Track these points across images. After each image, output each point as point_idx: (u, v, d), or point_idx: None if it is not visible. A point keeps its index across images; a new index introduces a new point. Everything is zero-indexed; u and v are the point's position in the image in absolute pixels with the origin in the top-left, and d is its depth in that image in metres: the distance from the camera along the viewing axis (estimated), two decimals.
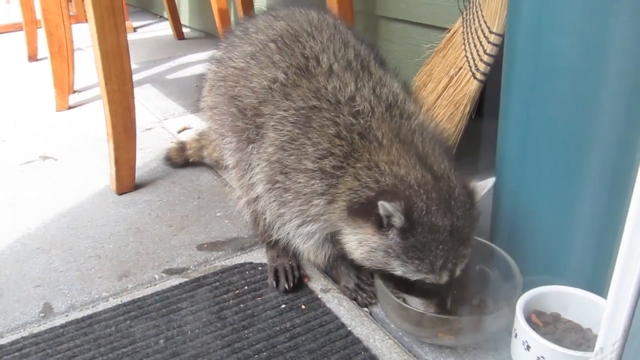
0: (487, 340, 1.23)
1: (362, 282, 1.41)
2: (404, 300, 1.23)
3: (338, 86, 1.27)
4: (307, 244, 1.37)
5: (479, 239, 1.36)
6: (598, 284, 1.21)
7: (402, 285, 1.23)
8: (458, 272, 1.20)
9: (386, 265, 1.18)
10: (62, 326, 1.31)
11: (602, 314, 0.83)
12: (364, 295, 1.38)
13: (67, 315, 1.36)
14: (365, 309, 1.35)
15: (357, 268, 1.40)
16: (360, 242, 1.20)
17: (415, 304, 1.21)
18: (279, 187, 1.31)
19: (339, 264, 1.42)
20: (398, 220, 1.11)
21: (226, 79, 1.47)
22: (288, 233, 1.36)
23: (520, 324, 1.11)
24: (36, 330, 1.31)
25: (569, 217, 1.24)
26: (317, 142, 1.24)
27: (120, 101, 1.80)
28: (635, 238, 0.67)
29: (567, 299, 1.19)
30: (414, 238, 1.13)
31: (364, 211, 1.17)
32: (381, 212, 1.11)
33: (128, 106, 1.83)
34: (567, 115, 1.17)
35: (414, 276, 1.17)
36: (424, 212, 1.12)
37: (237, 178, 1.50)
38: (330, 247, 1.38)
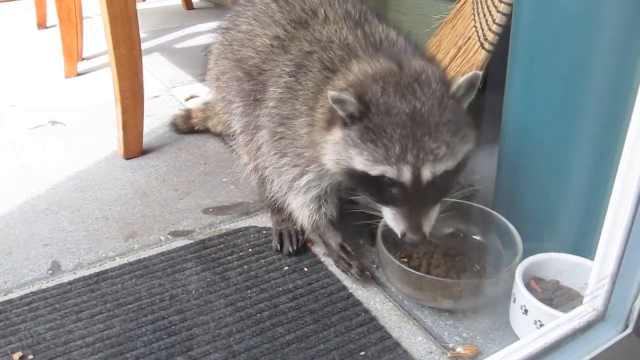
0: (486, 304, 1.24)
1: (346, 250, 1.36)
2: (407, 263, 1.25)
3: (334, 30, 1.30)
4: (299, 199, 1.35)
5: (481, 206, 1.38)
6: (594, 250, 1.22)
7: (371, 193, 1.17)
8: (427, 174, 1.09)
9: (348, 161, 1.14)
10: (70, 283, 1.34)
11: None
12: (347, 259, 1.34)
13: (74, 273, 1.39)
14: (367, 272, 1.37)
15: (344, 239, 1.39)
16: (330, 146, 1.17)
17: (387, 217, 1.16)
18: (278, 138, 1.32)
19: (323, 231, 1.39)
20: (350, 104, 1.08)
21: (232, 44, 1.49)
22: (282, 186, 1.36)
23: (519, 288, 1.13)
24: (44, 286, 1.34)
25: (570, 186, 1.24)
26: (305, 83, 1.25)
27: (128, 65, 1.81)
28: (627, 181, 0.68)
29: (567, 267, 1.21)
30: (368, 119, 1.09)
31: (331, 116, 1.16)
32: (330, 101, 1.09)
33: (136, 71, 1.83)
34: (570, 84, 1.17)
35: (372, 169, 1.10)
36: (380, 93, 1.09)
37: (244, 143, 1.51)
38: (324, 208, 1.36)
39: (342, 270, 1.35)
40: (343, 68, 1.21)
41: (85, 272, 1.38)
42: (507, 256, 1.28)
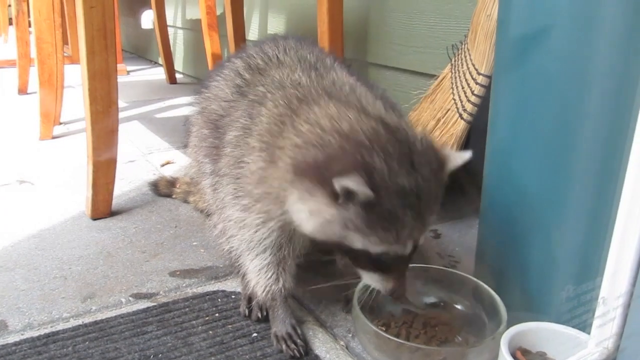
0: None
1: (295, 333, 1.25)
2: (385, 332, 1.17)
3: (286, 73, 1.28)
4: (255, 262, 1.24)
5: (463, 274, 1.32)
6: (587, 322, 1.16)
7: (357, 261, 1.12)
8: (422, 241, 1.10)
9: (344, 240, 1.04)
10: (16, 344, 1.22)
11: None
12: (293, 347, 1.21)
13: (22, 334, 1.27)
14: (342, 342, 1.28)
15: (295, 317, 1.30)
16: (311, 213, 1.04)
17: (371, 280, 1.13)
18: (234, 179, 1.22)
19: (277, 304, 1.28)
20: (363, 195, 0.96)
21: (202, 104, 1.48)
22: (240, 245, 1.26)
23: (506, 359, 1.05)
24: None
25: (556, 254, 1.20)
26: (259, 120, 1.18)
27: (104, 123, 1.77)
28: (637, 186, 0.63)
29: (554, 337, 1.13)
30: (380, 207, 1.00)
31: (313, 175, 1.02)
32: (337, 188, 0.96)
33: (112, 129, 1.79)
34: (551, 152, 1.15)
35: (376, 249, 1.03)
36: (386, 172, 0.98)
37: (213, 201, 1.44)
38: (274, 281, 1.25)
39: (280, 350, 1.23)
40: (304, 111, 1.12)
41: (34, 333, 1.26)
42: (490, 326, 1.21)
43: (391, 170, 0.98)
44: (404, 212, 1.00)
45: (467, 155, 1.11)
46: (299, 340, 1.23)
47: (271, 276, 1.26)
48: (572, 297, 1.19)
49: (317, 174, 1.01)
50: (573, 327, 1.13)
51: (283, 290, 1.27)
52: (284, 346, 1.22)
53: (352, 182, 0.94)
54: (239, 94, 1.34)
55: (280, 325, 1.26)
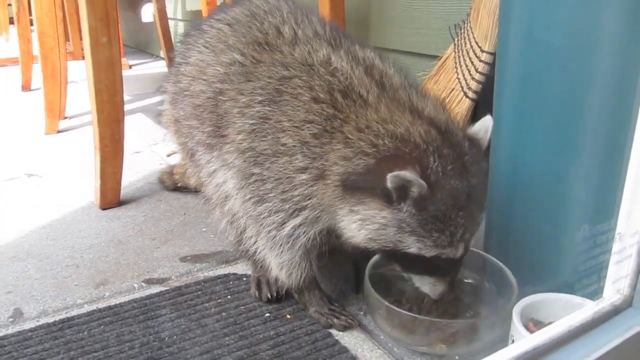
0: (481, 350, 1.16)
1: (336, 306, 1.28)
2: (398, 303, 1.18)
3: (307, 51, 1.14)
4: (285, 256, 1.20)
5: (474, 249, 1.32)
6: (595, 291, 1.16)
7: (409, 266, 1.12)
8: (472, 243, 1.09)
9: (398, 244, 1.02)
10: (32, 330, 1.23)
11: None
12: (343, 318, 1.24)
13: (37, 320, 1.28)
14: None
15: (328, 295, 1.31)
16: (364, 221, 1.03)
17: (422, 283, 1.13)
18: (255, 181, 1.14)
19: (313, 287, 1.28)
20: (417, 188, 0.94)
21: (182, 81, 1.34)
22: (258, 241, 1.22)
23: (518, 329, 1.05)
24: (3, 333, 1.23)
25: (566, 225, 1.20)
26: (292, 112, 1.08)
27: (110, 112, 1.78)
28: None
29: (566, 307, 1.14)
30: (434, 206, 0.97)
31: (364, 183, 1.00)
32: (389, 185, 0.95)
33: (117, 118, 1.80)
34: (558, 122, 1.16)
35: (430, 252, 1.02)
36: (441, 173, 0.96)
37: (213, 192, 1.33)
38: (308, 267, 1.23)
39: (329, 325, 1.24)
40: (352, 114, 1.05)
41: (49, 319, 1.28)
42: (501, 300, 1.22)
43: (445, 171, 0.98)
44: (457, 213, 0.99)
45: (488, 121, 1.09)
46: (343, 311, 1.26)
47: (305, 265, 1.24)
48: (582, 267, 1.19)
49: (369, 180, 1.00)
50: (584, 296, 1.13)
51: (312, 274, 1.27)
52: (335, 320, 1.24)
53: (411, 175, 0.93)
54: (240, 75, 1.18)
55: (320, 302, 1.28)
